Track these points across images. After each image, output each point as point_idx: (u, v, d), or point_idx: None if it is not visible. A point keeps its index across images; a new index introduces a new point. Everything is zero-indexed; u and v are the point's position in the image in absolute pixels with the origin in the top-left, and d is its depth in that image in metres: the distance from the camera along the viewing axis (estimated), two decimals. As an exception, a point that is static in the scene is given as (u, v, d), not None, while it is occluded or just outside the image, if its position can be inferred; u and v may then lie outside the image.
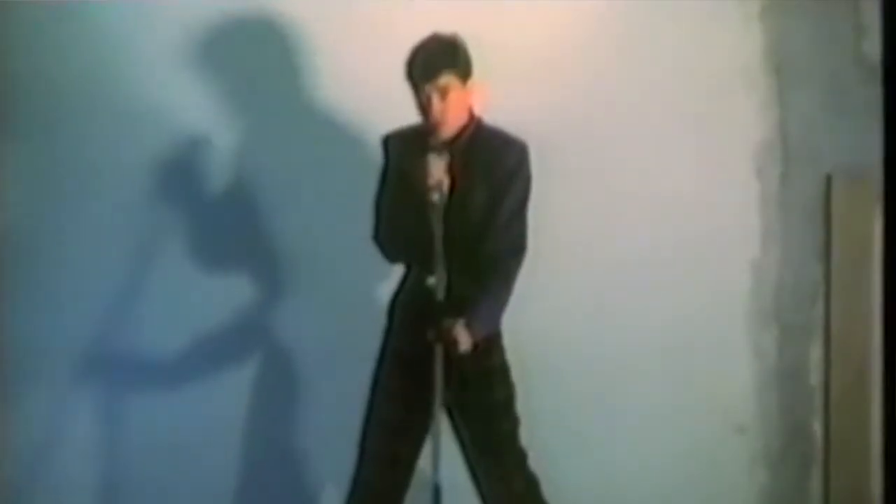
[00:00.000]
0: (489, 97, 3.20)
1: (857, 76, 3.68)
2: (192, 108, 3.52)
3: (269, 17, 3.52)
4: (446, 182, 3.03)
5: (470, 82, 3.13)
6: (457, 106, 3.12)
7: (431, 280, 3.02)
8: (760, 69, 3.66)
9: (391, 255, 3.36)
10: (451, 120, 3.12)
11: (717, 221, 3.68)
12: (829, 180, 3.69)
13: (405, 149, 3.22)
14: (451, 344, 3.05)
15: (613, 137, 3.62)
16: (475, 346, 3.12)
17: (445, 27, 3.17)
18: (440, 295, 3.01)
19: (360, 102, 3.50)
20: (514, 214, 3.20)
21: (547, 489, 3.33)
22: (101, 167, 3.53)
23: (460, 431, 3.33)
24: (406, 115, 3.24)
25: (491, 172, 3.15)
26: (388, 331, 3.38)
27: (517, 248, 3.21)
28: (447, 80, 3.08)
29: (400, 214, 3.20)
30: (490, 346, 3.23)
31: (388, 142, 3.34)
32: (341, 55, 3.53)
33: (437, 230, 3.00)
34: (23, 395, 3.55)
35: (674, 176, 3.65)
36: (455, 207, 3.06)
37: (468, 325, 3.09)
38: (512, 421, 3.28)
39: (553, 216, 3.45)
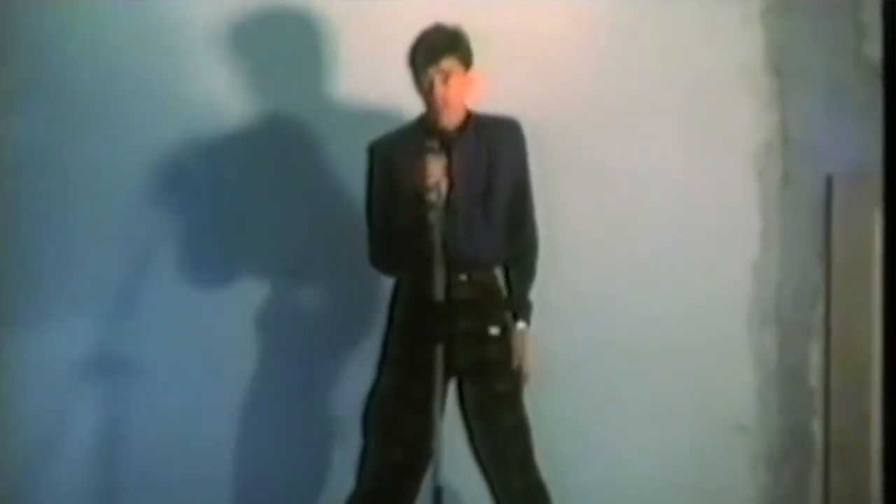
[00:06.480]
0: (492, 94, 3.21)
1: (857, 76, 3.69)
2: (188, 107, 3.52)
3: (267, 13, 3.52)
4: (445, 183, 3.05)
5: (471, 71, 3.16)
6: (458, 92, 3.14)
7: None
8: (761, 70, 3.67)
9: (390, 266, 3.34)
10: (454, 105, 3.15)
11: (717, 222, 3.69)
12: (829, 181, 3.69)
13: (396, 152, 3.22)
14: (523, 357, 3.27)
15: (613, 138, 3.63)
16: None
17: (446, 20, 3.19)
18: (439, 296, 3.01)
19: (367, 94, 3.52)
20: (531, 199, 3.34)
21: (549, 489, 3.32)
22: (104, 168, 3.53)
23: (469, 427, 3.35)
24: (408, 107, 3.28)
25: (511, 155, 3.26)
26: (388, 331, 3.38)
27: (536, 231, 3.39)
28: (450, 64, 3.11)
29: (396, 217, 3.19)
30: (506, 338, 3.28)
31: (375, 149, 3.32)
32: (344, 49, 3.53)
33: (437, 230, 3.01)
34: (23, 398, 3.56)
35: (674, 176, 3.66)
36: (466, 202, 3.14)
37: (523, 316, 3.30)
38: (518, 416, 3.28)
39: (551, 217, 3.45)
